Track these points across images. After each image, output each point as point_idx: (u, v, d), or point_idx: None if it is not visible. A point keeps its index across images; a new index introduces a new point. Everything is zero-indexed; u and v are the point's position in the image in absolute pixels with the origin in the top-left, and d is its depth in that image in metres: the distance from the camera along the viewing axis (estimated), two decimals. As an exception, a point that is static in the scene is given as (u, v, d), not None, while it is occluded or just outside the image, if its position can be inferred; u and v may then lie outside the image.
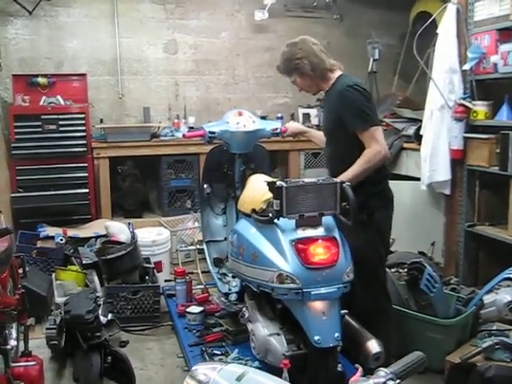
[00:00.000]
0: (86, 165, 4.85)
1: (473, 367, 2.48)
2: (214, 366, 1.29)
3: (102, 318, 3.01)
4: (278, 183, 2.23)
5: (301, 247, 2.19)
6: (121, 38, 5.35)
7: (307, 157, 5.42)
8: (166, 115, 5.59)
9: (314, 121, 5.42)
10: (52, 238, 4.19)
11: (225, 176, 3.22)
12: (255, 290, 2.43)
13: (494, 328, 2.84)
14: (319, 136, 3.10)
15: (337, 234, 2.27)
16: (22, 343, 2.63)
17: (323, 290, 2.17)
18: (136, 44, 5.42)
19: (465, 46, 3.58)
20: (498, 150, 3.36)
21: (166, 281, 3.89)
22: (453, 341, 2.79)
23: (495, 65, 3.36)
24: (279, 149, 5.18)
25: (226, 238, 3.27)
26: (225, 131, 3.00)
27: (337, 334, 2.16)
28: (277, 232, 2.28)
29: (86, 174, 4.86)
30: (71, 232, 4.36)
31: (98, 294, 3.33)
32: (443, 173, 3.71)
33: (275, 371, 1.96)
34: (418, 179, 3.91)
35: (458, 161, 3.69)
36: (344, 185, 2.25)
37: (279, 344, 2.32)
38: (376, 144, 2.50)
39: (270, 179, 2.58)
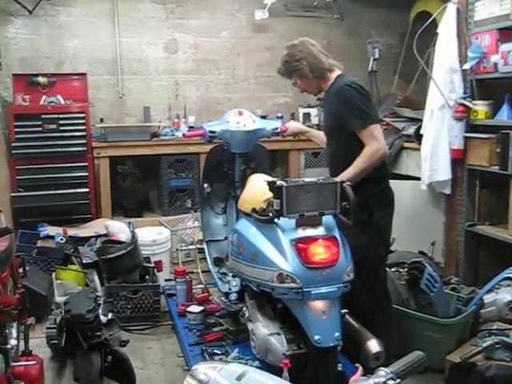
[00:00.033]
0: (86, 164, 4.86)
1: (473, 367, 2.48)
2: (214, 365, 1.29)
3: (102, 317, 3.01)
4: (279, 183, 2.23)
5: (301, 247, 2.19)
6: (121, 38, 5.35)
7: (307, 156, 5.42)
8: (166, 115, 5.59)
9: (315, 120, 5.43)
10: (52, 237, 4.19)
11: (225, 175, 3.22)
12: (255, 289, 2.43)
13: (495, 327, 2.85)
14: (319, 136, 3.11)
15: (337, 234, 2.27)
16: (22, 342, 2.63)
17: (323, 290, 2.17)
18: (136, 43, 5.42)
19: (465, 46, 3.58)
20: (498, 150, 3.37)
21: (166, 280, 3.90)
22: (453, 340, 2.79)
23: (495, 64, 3.36)
24: (279, 148, 5.18)
25: (226, 238, 3.27)
26: (225, 131, 3.00)
27: (337, 334, 2.16)
28: (277, 231, 2.28)
29: (86, 174, 4.86)
30: (71, 231, 4.36)
31: (98, 294, 3.33)
32: (443, 172, 3.71)
33: (275, 371, 1.96)
34: (419, 179, 3.91)
35: (458, 160, 3.69)
36: (344, 184, 2.25)
37: (279, 343, 2.32)
38: (375, 142, 2.50)
39: (270, 179, 2.58)
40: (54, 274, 3.75)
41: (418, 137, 4.03)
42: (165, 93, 5.58)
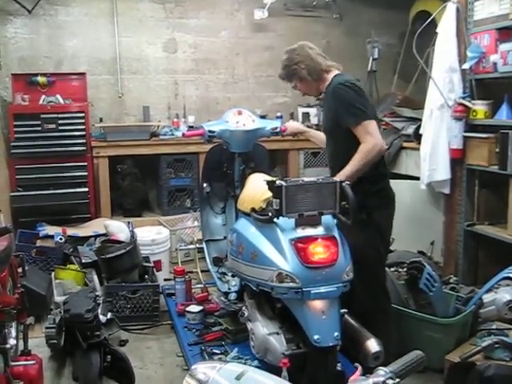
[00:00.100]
0: (85, 164, 4.86)
1: (472, 366, 2.48)
2: (213, 365, 1.29)
3: (101, 316, 3.00)
4: (278, 182, 2.23)
5: (300, 246, 2.19)
6: (120, 37, 5.34)
7: (307, 156, 5.42)
8: (165, 114, 5.59)
9: (314, 120, 5.42)
10: (51, 237, 4.20)
11: (224, 175, 3.22)
12: (255, 289, 2.43)
13: (494, 327, 2.85)
14: (318, 136, 3.11)
15: (336, 233, 2.27)
16: (21, 342, 2.63)
17: (323, 289, 2.17)
18: (135, 43, 5.42)
19: (464, 46, 3.58)
20: (497, 150, 3.37)
21: (165, 280, 3.89)
22: (452, 340, 2.79)
23: (495, 64, 3.36)
24: (279, 148, 5.17)
25: (225, 237, 3.26)
26: (224, 130, 3.00)
27: (336, 333, 2.16)
28: (276, 231, 2.28)
29: (86, 173, 4.86)
30: (71, 231, 4.36)
31: (97, 293, 3.33)
32: (443, 172, 3.71)
33: (275, 370, 1.96)
34: (418, 178, 3.91)
35: (457, 160, 3.69)
36: (343, 184, 2.25)
37: (279, 343, 2.32)
38: (370, 138, 2.49)
39: (269, 178, 2.58)
40: (53, 273, 3.74)
41: (417, 136, 4.03)
42: (164, 92, 5.58)
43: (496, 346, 2.58)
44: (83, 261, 3.89)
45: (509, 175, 3.30)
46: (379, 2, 5.81)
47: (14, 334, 2.62)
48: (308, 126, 4.25)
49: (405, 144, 4.30)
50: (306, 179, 2.29)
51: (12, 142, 4.65)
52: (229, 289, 3.19)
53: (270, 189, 2.31)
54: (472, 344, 2.73)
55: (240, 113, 3.07)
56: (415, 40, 3.78)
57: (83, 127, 4.82)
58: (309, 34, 5.79)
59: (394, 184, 2.79)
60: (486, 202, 3.69)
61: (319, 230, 2.24)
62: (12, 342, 2.42)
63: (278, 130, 3.13)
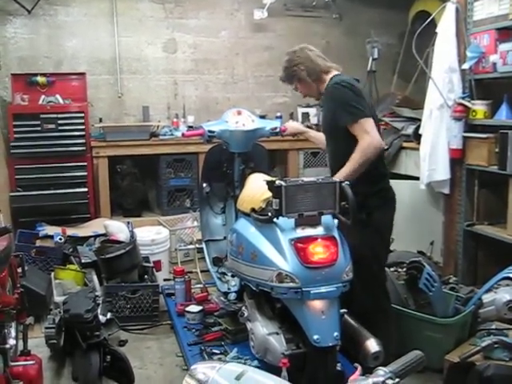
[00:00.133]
0: (85, 164, 4.86)
1: (472, 366, 2.48)
2: (213, 365, 1.29)
3: (101, 317, 3.01)
4: (278, 182, 2.23)
5: (300, 246, 2.19)
6: (120, 37, 5.34)
7: (306, 156, 5.42)
8: (165, 114, 5.59)
9: (313, 120, 5.43)
10: (51, 237, 4.20)
11: (224, 175, 3.22)
12: (254, 289, 2.43)
13: (493, 327, 2.85)
14: (318, 137, 3.12)
15: (336, 234, 2.27)
16: (21, 342, 2.62)
17: (322, 289, 2.17)
18: (135, 43, 5.42)
19: (464, 46, 3.58)
20: (497, 150, 3.37)
21: (165, 280, 3.90)
22: (452, 340, 2.79)
23: (494, 64, 3.36)
24: (278, 148, 5.18)
25: (225, 237, 3.27)
26: (224, 130, 3.00)
27: (336, 333, 2.16)
28: (276, 231, 2.28)
29: (85, 173, 4.86)
30: (70, 231, 4.36)
31: (97, 293, 3.33)
32: (442, 172, 3.71)
33: (274, 370, 1.96)
34: (417, 178, 3.91)
35: (457, 160, 3.69)
36: (343, 184, 2.25)
37: (278, 343, 2.32)
38: (367, 135, 2.49)
39: (269, 178, 2.58)
40: (52, 273, 3.75)
41: (416, 136, 4.03)
42: (164, 92, 5.58)
43: (495, 346, 2.58)
44: (83, 261, 3.89)
45: (508, 175, 3.30)
46: (379, 2, 5.81)
47: (13, 334, 2.61)
48: (307, 126, 4.27)
49: (404, 144, 4.30)
50: (305, 179, 2.29)
51: (11, 142, 4.65)
52: (228, 289, 3.19)
53: (269, 189, 2.31)
54: (471, 344, 2.73)
55: (239, 113, 3.07)
56: (415, 40, 3.78)
57: (83, 127, 4.83)
58: (308, 34, 5.80)
59: (394, 184, 2.80)
60: (485, 202, 3.69)
61: (319, 230, 2.24)
62: (11, 342, 2.41)
63: (278, 130, 3.14)
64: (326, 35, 5.91)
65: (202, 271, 3.82)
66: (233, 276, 3.13)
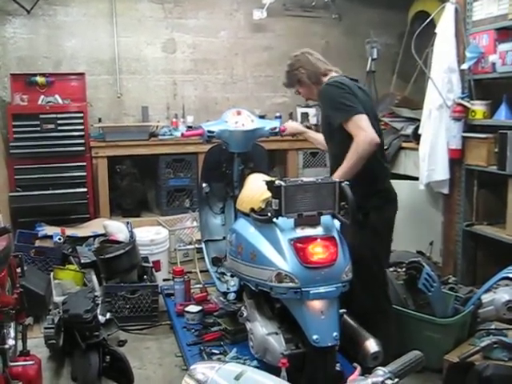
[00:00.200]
0: (84, 164, 4.86)
1: (471, 366, 2.48)
2: (212, 365, 1.29)
3: (100, 317, 3.01)
4: (277, 182, 2.23)
5: (299, 246, 2.19)
6: (119, 38, 5.34)
7: (306, 156, 5.42)
8: (164, 114, 5.59)
9: (313, 120, 5.42)
10: (50, 237, 4.19)
11: (223, 175, 3.22)
12: (254, 289, 2.43)
13: (492, 327, 2.85)
14: (317, 137, 3.13)
15: (335, 234, 2.27)
16: (20, 342, 2.62)
17: (322, 290, 2.17)
18: (134, 43, 5.42)
19: (463, 46, 3.58)
20: (496, 150, 3.37)
21: (164, 280, 3.90)
22: (451, 340, 2.79)
23: (493, 64, 3.36)
24: (278, 148, 5.18)
25: (224, 238, 3.27)
26: (223, 130, 3.00)
27: (335, 334, 2.16)
28: (275, 231, 2.28)
29: (85, 173, 4.86)
30: (69, 231, 4.36)
31: (96, 294, 3.33)
32: (441, 172, 3.71)
33: (273, 370, 1.97)
34: (417, 178, 3.91)
35: (456, 160, 3.69)
36: (343, 184, 2.25)
37: (277, 343, 2.32)
38: (361, 131, 2.47)
39: (268, 178, 2.58)
40: (52, 273, 3.74)
41: (416, 137, 4.03)
42: (163, 92, 5.58)
43: (495, 346, 2.58)
44: (82, 261, 3.89)
45: (507, 175, 3.31)
46: (378, 2, 5.81)
47: (12, 334, 2.61)
48: (307, 126, 4.27)
49: (404, 144, 4.30)
50: (305, 179, 2.29)
51: (11, 142, 4.65)
52: (228, 289, 3.19)
53: (269, 189, 2.31)
54: (471, 344, 2.73)
55: (239, 113, 3.08)
56: (414, 40, 3.78)
57: (82, 127, 4.82)
58: (308, 34, 5.81)
59: (393, 184, 2.79)
60: (484, 202, 3.70)
61: (318, 230, 2.24)
62: (11, 342, 2.41)
63: (277, 130, 3.14)
64: (325, 35, 5.91)
65: (201, 271, 3.82)
66: (232, 276, 3.13)
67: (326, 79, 2.75)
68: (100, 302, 3.28)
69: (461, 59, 3.59)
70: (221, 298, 3.25)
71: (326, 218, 2.29)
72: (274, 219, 2.26)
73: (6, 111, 4.75)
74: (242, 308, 2.68)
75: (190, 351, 2.89)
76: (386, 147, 3.69)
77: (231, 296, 3.14)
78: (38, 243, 4.15)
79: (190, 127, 5.12)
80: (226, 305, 3.15)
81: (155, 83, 5.54)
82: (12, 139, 4.66)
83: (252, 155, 3.17)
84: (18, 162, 4.70)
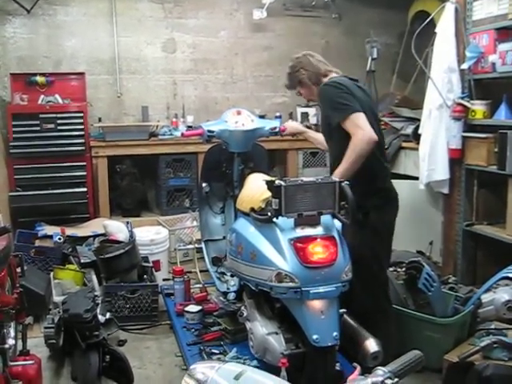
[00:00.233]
0: (84, 164, 4.86)
1: (471, 366, 2.48)
2: (212, 364, 1.29)
3: (100, 316, 3.01)
4: (277, 182, 2.23)
5: (299, 246, 2.19)
6: (119, 37, 5.34)
7: (305, 156, 5.42)
8: (164, 114, 5.59)
9: (313, 120, 5.42)
10: (50, 236, 4.19)
11: (223, 175, 3.22)
12: (254, 288, 2.43)
13: (492, 327, 2.85)
14: (317, 137, 3.13)
15: (335, 233, 2.27)
16: (20, 342, 2.62)
17: (322, 289, 2.17)
18: (134, 43, 5.42)
19: (463, 46, 3.58)
20: (496, 150, 3.37)
21: (164, 280, 3.90)
22: (451, 340, 2.79)
23: (493, 64, 3.36)
24: (278, 148, 5.18)
25: (224, 237, 3.26)
26: (223, 130, 3.00)
27: (335, 333, 2.16)
28: (275, 231, 2.28)
29: (85, 173, 4.86)
30: (69, 231, 4.36)
31: (96, 293, 3.33)
32: (441, 172, 3.71)
33: (273, 370, 1.96)
34: (417, 178, 3.91)
35: (456, 160, 3.69)
36: (343, 184, 2.25)
37: (277, 343, 2.32)
38: (358, 130, 2.47)
39: (268, 178, 2.58)
40: (52, 273, 3.74)
41: (416, 136, 4.03)
42: (163, 92, 5.58)
43: (494, 345, 2.58)
44: (82, 261, 3.89)
45: (507, 175, 3.31)
46: (378, 1, 5.81)
47: (12, 333, 2.61)
48: (307, 126, 4.27)
49: (404, 144, 4.30)
50: (305, 179, 2.29)
51: (11, 142, 4.65)
52: (228, 289, 3.19)
53: (269, 189, 2.31)
54: (470, 344, 2.73)
55: (239, 113, 3.08)
56: (414, 40, 3.78)
57: (82, 127, 4.83)
58: (308, 33, 5.81)
59: (393, 184, 2.79)
60: (484, 201, 3.70)
61: (318, 230, 2.24)
62: (11, 341, 2.41)
63: (277, 129, 3.14)
64: (325, 35, 5.91)
65: (201, 271, 3.82)
66: (232, 276, 3.13)
67: (326, 80, 2.75)
68: (100, 301, 3.28)
69: (461, 59, 3.59)
70: (221, 298, 3.25)
71: (325, 218, 2.29)
72: (274, 219, 2.26)
73: (6, 111, 4.76)
74: (242, 308, 2.67)
75: (189, 351, 2.89)
76: (386, 147, 3.69)
77: (231, 296, 3.14)
78: (37, 243, 4.15)
79: (189, 127, 5.12)
80: (226, 305, 3.15)
81: (155, 83, 5.54)
82: (12, 139, 4.66)
83: (252, 155, 3.17)
84: (18, 162, 4.70)
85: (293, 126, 3.37)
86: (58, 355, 3.03)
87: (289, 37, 5.78)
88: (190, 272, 3.81)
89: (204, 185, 3.31)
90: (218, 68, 5.73)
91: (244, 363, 2.55)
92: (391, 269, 3.27)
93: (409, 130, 4.24)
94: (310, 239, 2.21)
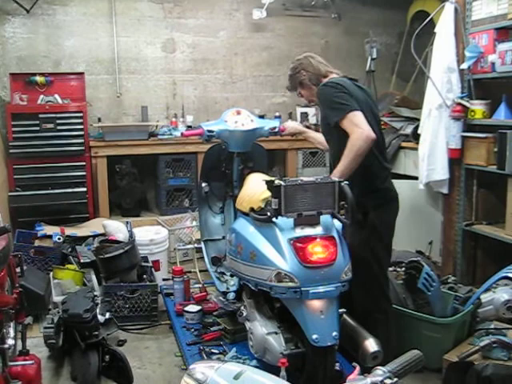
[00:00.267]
0: (83, 163, 4.86)
1: (470, 366, 2.48)
2: (211, 364, 1.29)
3: (99, 316, 3.00)
4: (277, 182, 2.23)
5: (299, 246, 2.19)
6: (119, 37, 5.34)
7: (305, 156, 5.43)
8: (163, 114, 5.59)
9: (312, 120, 5.43)
10: (50, 236, 4.19)
11: (223, 175, 3.22)
12: (253, 288, 2.43)
13: (492, 327, 2.85)
14: (316, 137, 3.14)
15: (335, 233, 2.27)
16: (19, 342, 2.62)
17: (321, 289, 2.17)
18: (134, 43, 5.42)
19: (463, 45, 3.58)
20: (495, 149, 3.37)
21: (163, 280, 3.90)
22: (450, 339, 2.80)
23: (493, 64, 3.36)
24: (277, 148, 5.19)
25: (224, 237, 3.27)
26: (223, 130, 3.00)
27: (335, 333, 2.16)
28: (275, 231, 2.28)
29: (84, 173, 4.86)
30: (69, 231, 4.36)
31: (95, 293, 3.33)
32: (441, 172, 3.71)
33: (273, 370, 1.96)
34: (416, 178, 3.91)
35: (455, 160, 3.69)
36: (342, 184, 2.25)
37: (277, 343, 2.32)
38: (355, 128, 2.47)
39: (268, 178, 2.58)
40: (51, 273, 3.74)
41: (415, 136, 4.04)
42: (162, 92, 5.58)
43: (494, 345, 2.59)
44: (81, 261, 3.89)
45: (507, 175, 3.31)
46: (377, 1, 5.82)
47: (12, 333, 2.62)
48: (306, 126, 4.27)
49: (403, 144, 4.30)
50: (304, 179, 2.29)
51: (10, 142, 4.65)
52: (227, 288, 3.19)
53: (268, 188, 2.31)
54: (470, 344, 2.74)
55: (239, 113, 3.08)
56: (413, 40, 3.78)
57: (81, 127, 4.82)
58: (307, 33, 5.81)
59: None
60: (484, 201, 3.70)
61: (318, 230, 2.24)
62: (10, 341, 2.41)
63: (277, 129, 3.14)
64: (324, 35, 5.91)
65: (200, 271, 3.82)
66: (232, 276, 3.13)
67: (325, 81, 2.75)
68: (99, 301, 3.27)
69: (460, 59, 3.59)
70: (220, 298, 3.24)
71: (325, 218, 2.29)
72: (274, 219, 2.26)
73: (6, 111, 4.75)
74: (242, 308, 2.67)
75: (189, 351, 2.89)
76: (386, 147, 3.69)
77: (231, 296, 3.14)
78: (37, 243, 4.15)
79: (189, 127, 5.13)
80: (226, 304, 3.15)
81: (155, 83, 5.54)
82: (11, 139, 4.66)
83: (251, 155, 3.17)
84: (18, 162, 4.70)
85: (292, 125, 3.36)
86: (58, 355, 3.03)
87: (288, 37, 5.79)
88: (189, 272, 3.81)
89: (203, 185, 3.31)
90: (217, 68, 5.73)
91: (243, 363, 2.55)
92: (391, 269, 3.27)
93: (408, 129, 4.24)
94: (309, 239, 2.21)
